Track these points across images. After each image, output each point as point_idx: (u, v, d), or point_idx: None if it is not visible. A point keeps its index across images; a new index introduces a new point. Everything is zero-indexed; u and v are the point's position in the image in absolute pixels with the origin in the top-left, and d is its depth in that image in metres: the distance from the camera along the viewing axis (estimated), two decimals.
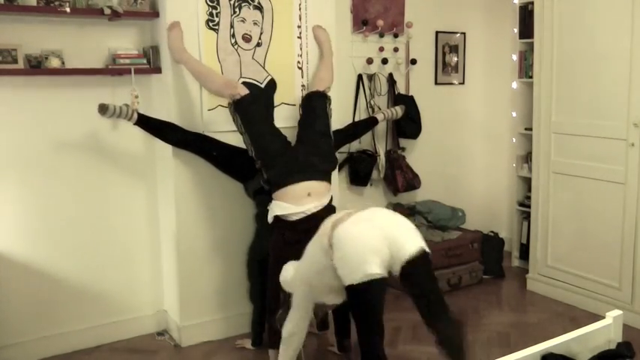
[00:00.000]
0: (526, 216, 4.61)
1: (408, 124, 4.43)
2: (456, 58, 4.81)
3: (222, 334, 3.59)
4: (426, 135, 4.57)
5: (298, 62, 3.68)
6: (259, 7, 3.52)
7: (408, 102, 4.45)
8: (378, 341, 2.71)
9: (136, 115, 3.20)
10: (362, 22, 4.25)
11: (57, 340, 3.39)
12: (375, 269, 2.38)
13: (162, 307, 3.73)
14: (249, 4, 3.49)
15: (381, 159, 4.39)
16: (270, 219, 3.06)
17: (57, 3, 3.09)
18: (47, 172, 3.30)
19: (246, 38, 3.50)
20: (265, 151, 3.09)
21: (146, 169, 3.59)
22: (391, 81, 4.46)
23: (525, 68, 4.55)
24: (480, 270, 4.51)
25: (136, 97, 3.32)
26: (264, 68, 3.58)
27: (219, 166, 3.41)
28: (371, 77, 4.38)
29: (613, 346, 2.01)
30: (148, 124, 3.27)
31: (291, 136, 3.45)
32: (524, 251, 4.57)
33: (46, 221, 3.33)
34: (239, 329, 3.63)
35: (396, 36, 4.44)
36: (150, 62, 3.40)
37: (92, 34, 3.33)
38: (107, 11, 3.17)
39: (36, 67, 3.13)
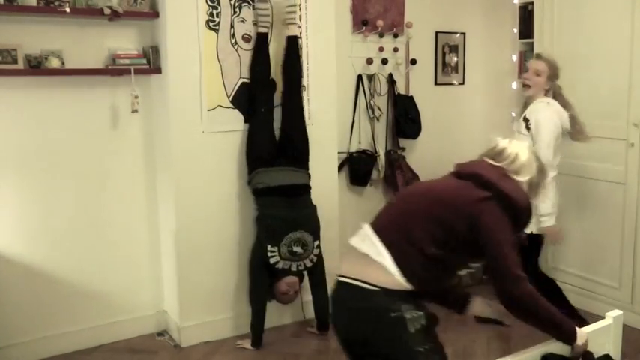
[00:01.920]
0: None
1: (408, 124, 4.43)
2: (455, 59, 4.81)
3: (222, 334, 3.59)
4: (426, 135, 4.56)
5: None
6: None
7: (407, 102, 4.46)
8: None
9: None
10: (362, 23, 4.24)
11: (57, 340, 3.39)
12: None
13: (162, 308, 3.73)
14: (250, 4, 3.49)
15: (381, 159, 4.39)
16: None
17: (57, 3, 3.08)
18: (47, 173, 3.30)
19: (247, 38, 3.50)
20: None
21: (146, 169, 3.59)
22: (391, 81, 4.46)
23: (525, 68, 4.54)
24: (480, 270, 4.50)
25: (136, 97, 3.33)
26: None
27: (250, 124, 3.51)
28: (371, 77, 4.37)
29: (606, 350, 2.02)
30: (258, 47, 3.45)
31: None
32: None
33: (46, 221, 3.33)
34: (239, 329, 3.63)
35: (395, 36, 4.44)
36: (150, 62, 3.40)
37: (92, 34, 3.33)
38: (107, 11, 3.17)
39: (36, 67, 3.13)
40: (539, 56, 3.39)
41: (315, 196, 3.76)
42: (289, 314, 3.79)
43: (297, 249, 3.37)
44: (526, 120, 3.32)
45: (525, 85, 3.36)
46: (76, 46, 3.28)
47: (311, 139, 3.73)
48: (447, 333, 3.62)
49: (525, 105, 3.42)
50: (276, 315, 3.75)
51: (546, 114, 3.24)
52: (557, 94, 3.34)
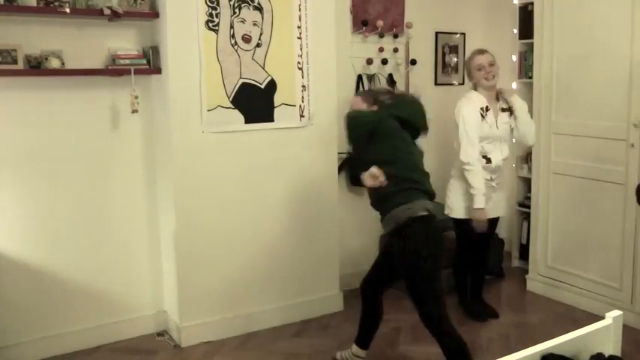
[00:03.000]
0: (526, 216, 4.61)
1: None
2: (455, 59, 4.81)
3: (222, 334, 3.59)
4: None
5: (298, 63, 3.68)
6: (259, 8, 3.52)
7: None
8: None
9: None
10: (362, 23, 4.25)
11: (57, 341, 3.39)
12: None
13: (162, 308, 3.73)
14: (249, 4, 3.49)
15: None
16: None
17: (57, 3, 3.08)
18: (47, 173, 3.30)
19: (246, 39, 3.51)
20: None
21: (146, 169, 3.59)
22: (391, 81, 4.46)
23: (525, 68, 4.55)
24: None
25: (136, 97, 3.33)
26: (264, 69, 3.58)
27: None
28: (371, 78, 4.38)
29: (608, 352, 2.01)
30: None
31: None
32: (524, 251, 4.57)
33: (46, 221, 3.33)
34: (239, 330, 3.63)
35: (395, 36, 4.44)
36: (150, 62, 3.40)
37: (92, 35, 3.33)
38: (107, 11, 3.17)
39: (36, 67, 3.13)
40: (483, 51, 3.67)
41: (315, 196, 3.77)
42: (289, 314, 3.79)
43: None
44: (505, 109, 3.66)
45: (489, 78, 3.59)
46: (76, 47, 3.28)
47: (311, 139, 3.74)
48: None
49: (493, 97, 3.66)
50: (276, 315, 3.75)
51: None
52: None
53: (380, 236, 4.55)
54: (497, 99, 3.65)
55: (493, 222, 3.78)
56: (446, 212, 3.73)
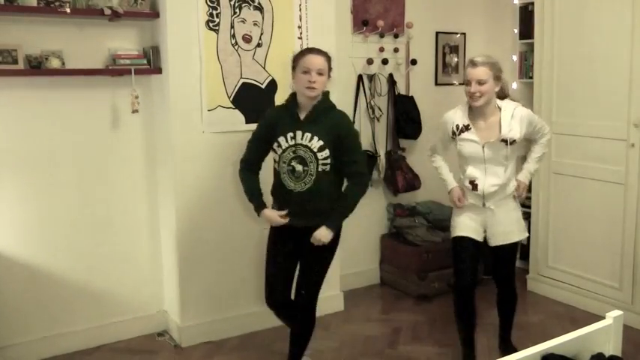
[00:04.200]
0: (526, 216, 4.59)
1: (408, 124, 4.43)
2: (456, 59, 4.81)
3: (223, 334, 3.59)
4: (426, 135, 4.56)
5: None
6: (259, 8, 3.52)
7: (408, 102, 4.46)
8: None
9: None
10: (362, 23, 4.25)
11: (57, 341, 3.39)
12: None
13: (162, 308, 3.73)
14: (250, 4, 3.49)
15: (381, 159, 4.39)
16: None
17: (57, 3, 3.08)
18: (47, 173, 3.30)
19: (247, 39, 3.51)
20: None
21: (146, 169, 3.59)
22: (391, 81, 4.46)
23: (525, 69, 4.55)
24: (480, 270, 4.50)
25: (136, 97, 3.33)
26: (264, 69, 3.58)
27: None
28: (371, 78, 4.38)
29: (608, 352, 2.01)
30: None
31: None
32: (525, 252, 4.57)
33: (47, 221, 3.33)
34: (239, 330, 3.63)
35: (396, 36, 4.44)
36: (150, 62, 3.40)
37: (92, 35, 3.33)
38: (107, 11, 3.17)
39: (36, 67, 3.13)
40: (475, 63, 3.04)
41: None
42: None
43: None
44: (504, 140, 3.01)
45: (474, 99, 3.02)
46: (76, 47, 3.28)
47: None
48: (447, 334, 3.62)
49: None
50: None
51: (523, 109, 3.10)
52: (506, 91, 3.16)
53: (381, 236, 4.56)
54: (499, 123, 3.03)
55: (502, 250, 3.16)
56: None
